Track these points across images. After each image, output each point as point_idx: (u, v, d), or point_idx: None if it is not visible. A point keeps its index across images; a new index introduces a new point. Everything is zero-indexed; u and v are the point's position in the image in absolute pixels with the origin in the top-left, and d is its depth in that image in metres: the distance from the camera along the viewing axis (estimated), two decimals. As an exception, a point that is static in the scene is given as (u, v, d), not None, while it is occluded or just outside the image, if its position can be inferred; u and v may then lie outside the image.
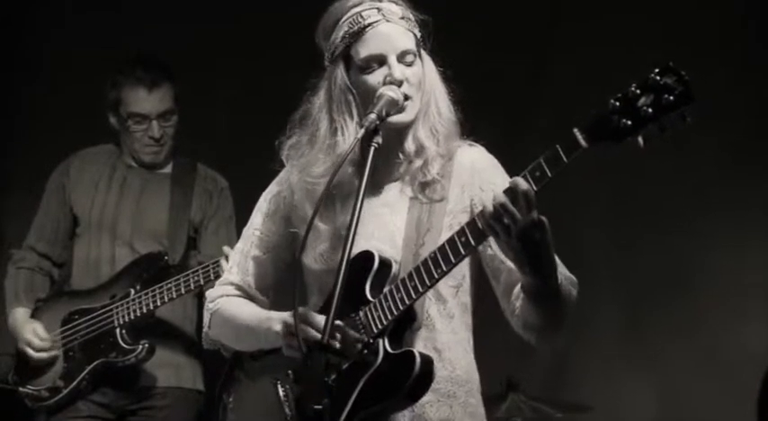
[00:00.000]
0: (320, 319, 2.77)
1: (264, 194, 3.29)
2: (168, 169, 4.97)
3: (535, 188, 2.61)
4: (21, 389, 4.76)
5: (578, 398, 4.98)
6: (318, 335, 2.69)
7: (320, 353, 2.69)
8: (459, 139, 3.11)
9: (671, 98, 2.47)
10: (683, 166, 4.99)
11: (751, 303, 5.34)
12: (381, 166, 3.04)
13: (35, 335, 4.71)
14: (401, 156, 3.06)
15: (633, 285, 5.35)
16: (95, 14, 5.97)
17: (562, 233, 2.81)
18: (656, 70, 2.50)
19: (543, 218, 2.65)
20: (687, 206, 5.09)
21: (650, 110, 2.49)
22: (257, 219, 3.29)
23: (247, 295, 3.28)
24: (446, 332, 3.02)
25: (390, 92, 2.90)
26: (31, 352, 4.70)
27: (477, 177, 3.04)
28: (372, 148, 2.84)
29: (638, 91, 2.51)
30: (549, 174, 2.61)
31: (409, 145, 3.04)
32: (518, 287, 2.88)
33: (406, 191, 3.07)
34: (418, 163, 3.03)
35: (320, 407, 2.64)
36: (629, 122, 2.51)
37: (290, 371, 3.03)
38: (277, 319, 3.01)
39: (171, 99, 4.84)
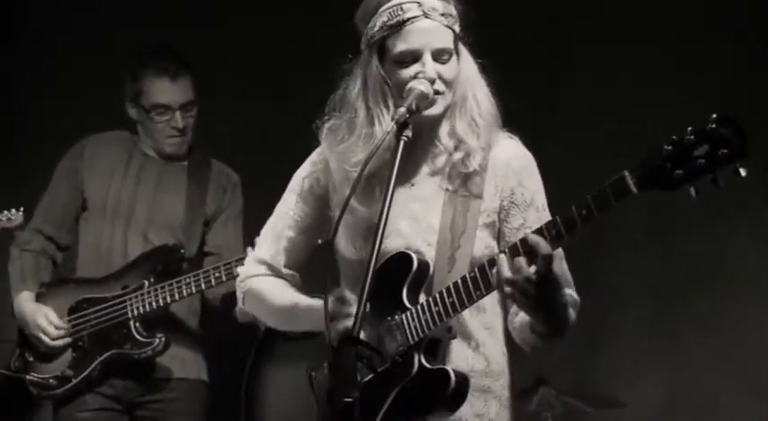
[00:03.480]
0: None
1: (297, 174, 3.27)
2: (184, 161, 4.87)
3: (566, 236, 2.56)
4: (27, 376, 4.63)
5: (606, 392, 4.99)
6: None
7: (350, 346, 2.64)
8: (499, 130, 3.05)
9: (726, 152, 2.35)
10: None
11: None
12: (419, 159, 3.05)
13: (49, 322, 4.59)
14: (440, 148, 3.02)
15: (661, 285, 5.27)
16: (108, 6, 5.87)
17: (594, 241, 2.67)
18: (714, 118, 2.37)
19: (559, 270, 2.62)
20: (710, 208, 4.89)
21: (704, 161, 2.37)
22: (290, 199, 3.26)
23: (276, 272, 3.26)
24: (480, 328, 3.01)
25: (420, 85, 2.87)
26: (46, 339, 4.57)
27: (512, 178, 3.00)
28: (402, 142, 2.80)
29: (693, 138, 2.39)
30: (596, 214, 2.51)
31: (447, 139, 3.00)
32: (515, 306, 2.87)
33: (443, 185, 3.02)
34: (458, 155, 2.98)
35: (350, 399, 2.58)
36: (682, 173, 2.39)
37: (325, 364, 2.98)
38: (313, 309, 3.02)
39: (192, 90, 4.76)
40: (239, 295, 3.29)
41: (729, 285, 5.27)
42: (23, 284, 4.69)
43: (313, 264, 3.29)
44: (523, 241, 2.59)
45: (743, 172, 2.33)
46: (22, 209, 4.42)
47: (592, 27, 5.56)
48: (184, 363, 4.70)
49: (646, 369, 5.24)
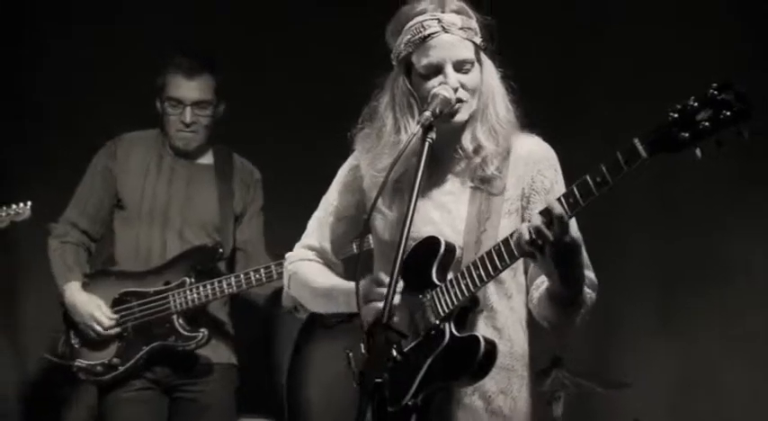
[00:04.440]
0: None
1: (342, 168, 3.33)
2: (209, 160, 4.94)
3: (582, 203, 2.63)
4: (74, 362, 4.72)
5: (617, 374, 4.99)
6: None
7: (381, 330, 2.70)
8: (518, 132, 3.12)
9: (728, 113, 2.43)
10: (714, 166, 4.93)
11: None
12: (444, 161, 3.12)
13: (102, 312, 4.68)
14: (460, 153, 3.09)
15: (668, 274, 5.28)
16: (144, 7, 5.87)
17: (607, 227, 2.74)
18: (715, 85, 2.46)
19: (576, 237, 2.73)
20: (717, 202, 5.09)
21: (708, 124, 2.45)
22: (334, 190, 3.34)
23: (324, 258, 3.35)
24: (505, 311, 3.05)
25: (444, 91, 2.95)
26: (99, 329, 4.66)
27: (532, 168, 3.07)
28: (427, 143, 2.88)
29: (697, 104, 2.47)
30: (611, 181, 2.59)
31: (467, 144, 3.07)
32: (540, 278, 2.95)
33: (466, 183, 3.08)
34: (477, 160, 3.05)
35: (380, 380, 2.66)
36: (687, 135, 2.47)
37: (362, 345, 3.01)
38: (351, 291, 3.04)
39: (210, 90, 4.81)
40: (285, 278, 3.37)
41: (734, 273, 5.30)
42: (70, 274, 4.76)
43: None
44: (543, 210, 2.66)
45: (745, 134, 2.41)
46: (29, 202, 4.41)
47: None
48: (217, 350, 4.79)
49: (652, 352, 5.27)
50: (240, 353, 4.95)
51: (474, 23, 3.02)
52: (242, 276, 4.60)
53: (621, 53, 5.56)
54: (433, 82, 2.96)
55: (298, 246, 3.40)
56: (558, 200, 2.64)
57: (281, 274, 4.24)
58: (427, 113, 2.87)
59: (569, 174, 3.04)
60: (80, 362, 4.69)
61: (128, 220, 4.83)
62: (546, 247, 2.66)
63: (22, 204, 4.34)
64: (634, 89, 5.44)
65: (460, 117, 2.99)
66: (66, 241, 4.84)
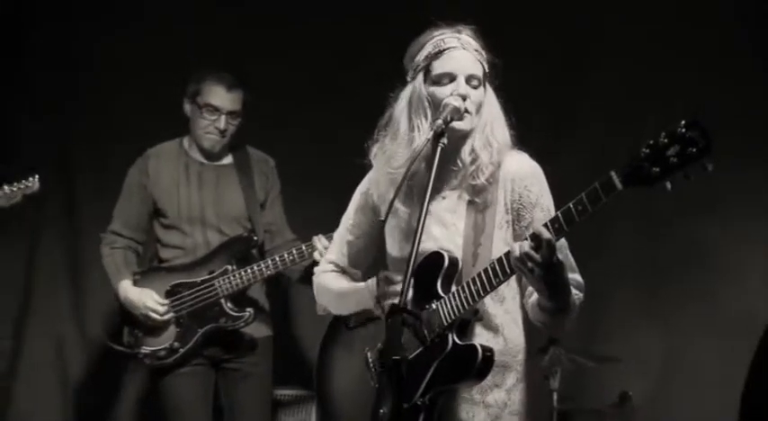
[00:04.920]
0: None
1: (357, 191, 3.36)
2: (229, 159, 4.93)
3: (566, 228, 2.66)
4: (140, 350, 4.77)
5: (607, 350, 4.97)
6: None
7: (397, 315, 2.74)
8: (510, 149, 3.13)
9: (694, 150, 2.44)
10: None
11: (749, 276, 5.28)
12: (446, 177, 3.10)
13: (156, 302, 4.71)
14: (459, 165, 3.08)
15: (654, 261, 5.25)
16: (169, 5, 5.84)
17: (597, 218, 2.77)
18: (683, 123, 2.46)
19: (559, 258, 2.72)
20: (697, 195, 4.90)
21: (676, 159, 2.46)
22: (351, 211, 3.37)
23: (342, 270, 3.38)
24: (499, 313, 3.05)
25: (455, 101, 2.97)
26: (156, 316, 4.70)
27: (519, 182, 3.06)
28: (439, 148, 2.90)
29: (666, 141, 2.47)
30: (590, 209, 2.61)
31: (466, 156, 3.07)
32: (530, 288, 2.96)
33: (463, 196, 3.08)
34: (471, 168, 3.05)
35: (398, 358, 2.68)
36: (658, 170, 2.47)
37: (379, 344, 3.03)
38: (360, 290, 3.18)
39: (241, 103, 4.83)
40: (314, 289, 3.42)
41: (714, 261, 5.27)
42: (120, 275, 4.80)
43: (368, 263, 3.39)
44: (532, 234, 2.67)
45: (710, 167, 2.41)
46: (37, 175, 4.31)
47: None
48: (258, 325, 4.84)
49: (637, 331, 5.25)
50: (275, 326, 5.01)
51: (484, 53, 3.06)
52: (277, 259, 4.64)
53: (611, 68, 5.49)
54: (446, 89, 2.98)
55: (322, 260, 3.45)
56: (545, 225, 2.65)
57: (310, 254, 4.56)
58: (439, 121, 2.89)
59: (562, 186, 3.05)
60: (145, 350, 4.72)
61: (171, 226, 4.86)
62: (534, 269, 2.67)
63: (30, 178, 4.24)
64: (624, 107, 5.39)
65: (462, 125, 2.98)
66: (114, 247, 4.89)
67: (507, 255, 2.79)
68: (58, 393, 5.91)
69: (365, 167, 3.28)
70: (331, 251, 3.43)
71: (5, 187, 4.14)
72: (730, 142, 4.97)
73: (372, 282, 3.14)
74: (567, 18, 5.50)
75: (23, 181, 4.19)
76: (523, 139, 3.14)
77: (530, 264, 2.66)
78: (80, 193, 4.63)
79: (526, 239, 2.70)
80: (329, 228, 4.13)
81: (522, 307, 3.09)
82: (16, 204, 4.20)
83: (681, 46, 5.38)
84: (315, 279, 3.42)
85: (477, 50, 3.04)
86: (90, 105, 5.89)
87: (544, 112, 5.17)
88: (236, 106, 4.78)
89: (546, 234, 2.63)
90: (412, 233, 2.88)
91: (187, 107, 4.83)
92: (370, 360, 3.11)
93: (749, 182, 5.08)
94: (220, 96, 4.75)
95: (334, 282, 3.35)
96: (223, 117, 4.74)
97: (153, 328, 4.73)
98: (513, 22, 5.44)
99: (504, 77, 3.13)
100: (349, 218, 3.35)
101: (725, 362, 5.14)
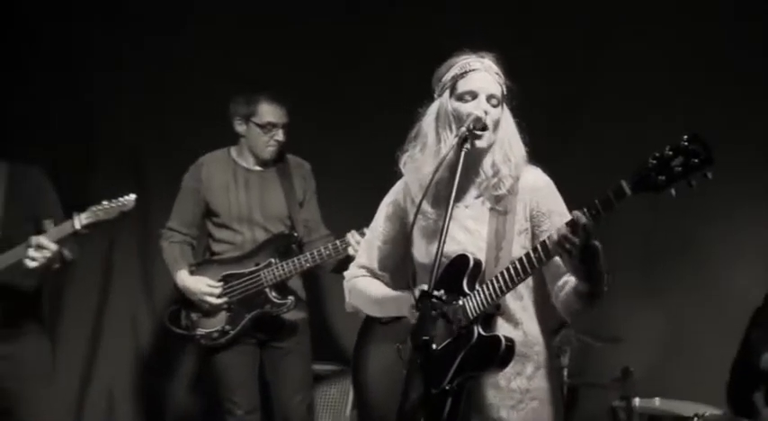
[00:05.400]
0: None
1: (385, 200, 3.32)
2: (272, 166, 4.96)
3: (592, 223, 2.63)
4: (196, 332, 4.82)
5: (611, 331, 4.89)
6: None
7: (427, 300, 2.77)
8: (526, 165, 3.13)
9: (696, 161, 2.45)
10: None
11: (740, 261, 5.23)
12: (469, 186, 3.11)
13: (210, 287, 4.76)
14: (482, 176, 3.08)
15: (653, 248, 5.20)
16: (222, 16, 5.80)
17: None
18: (686, 137, 2.46)
19: (597, 243, 2.69)
20: (695, 190, 4.85)
21: (680, 169, 2.46)
22: (380, 218, 3.32)
23: (372, 274, 3.34)
24: (518, 309, 3.03)
25: (477, 112, 2.97)
26: (211, 300, 4.74)
27: (536, 193, 3.06)
28: (463, 152, 2.91)
29: (671, 153, 2.48)
30: (603, 213, 2.60)
31: (488, 168, 3.07)
32: (563, 279, 2.92)
33: (486, 205, 3.07)
34: (494, 181, 3.05)
35: (428, 338, 2.69)
36: (664, 178, 2.48)
37: (408, 339, 2.98)
38: (398, 298, 3.13)
39: (287, 116, 4.88)
40: (346, 291, 3.37)
41: (709, 246, 5.23)
42: (178, 265, 4.84)
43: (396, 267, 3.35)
44: (569, 220, 2.65)
45: (710, 175, 2.43)
46: (133, 195, 4.17)
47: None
48: (296, 310, 4.87)
49: (638, 313, 5.22)
50: (312, 311, 5.06)
51: (503, 77, 3.06)
52: (315, 253, 4.65)
53: (612, 88, 5.43)
54: (469, 105, 2.97)
55: (352, 265, 3.41)
56: (582, 212, 2.62)
57: (344, 249, 4.56)
58: (463, 128, 2.90)
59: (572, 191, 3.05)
60: (200, 331, 4.77)
61: (222, 225, 4.90)
62: (572, 250, 2.65)
63: (127, 197, 4.13)
64: (626, 120, 5.33)
65: (481, 143, 2.98)
66: (173, 242, 4.93)
67: (527, 256, 2.79)
68: (131, 366, 5.98)
69: (394, 175, 3.26)
70: (361, 256, 3.39)
71: (105, 203, 4.10)
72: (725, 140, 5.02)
73: (409, 293, 3.08)
74: (568, 19, 5.45)
75: (121, 199, 4.11)
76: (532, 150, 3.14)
77: (568, 246, 2.64)
78: (151, 195, 4.64)
79: (563, 226, 2.69)
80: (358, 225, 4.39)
81: (537, 303, 3.08)
82: (113, 219, 4.15)
83: (682, 46, 5.33)
84: (347, 283, 3.37)
85: (497, 74, 3.03)
86: (157, 118, 5.91)
87: (548, 124, 5.07)
88: (286, 119, 4.85)
89: (583, 219, 2.61)
90: (437, 236, 2.88)
91: (241, 127, 4.86)
92: (401, 353, 3.08)
93: (742, 175, 4.95)
94: (276, 114, 4.81)
95: (371, 288, 3.30)
96: (280, 131, 4.82)
97: (207, 313, 4.76)
98: (518, 22, 5.45)
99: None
100: (378, 225, 3.31)
101: (716, 340, 5.10)
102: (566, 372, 4.70)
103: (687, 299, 5.24)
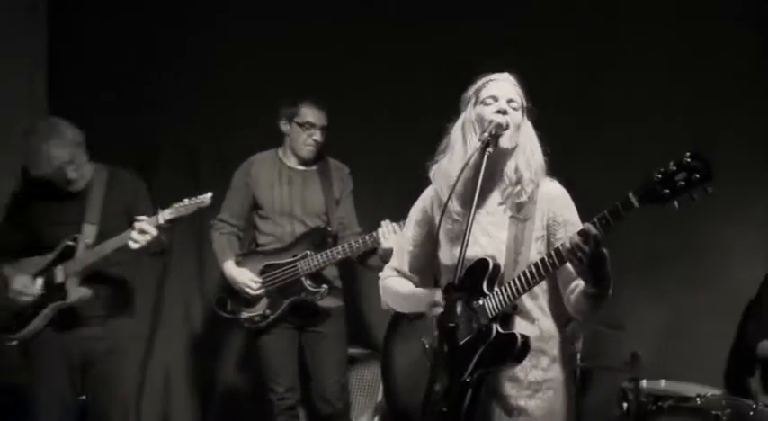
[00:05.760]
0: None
1: (414, 207, 3.32)
2: (314, 166, 4.98)
3: (602, 232, 2.63)
4: (240, 316, 4.87)
5: (619, 319, 4.82)
6: None
7: (452, 291, 2.78)
8: (545, 175, 3.11)
9: (698, 177, 2.46)
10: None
11: (735, 257, 5.17)
12: (493, 190, 3.10)
13: (251, 279, 4.80)
14: (506, 181, 3.06)
15: (656, 246, 5.14)
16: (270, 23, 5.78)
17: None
18: (688, 154, 2.48)
19: (605, 251, 2.68)
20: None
21: (683, 183, 2.47)
22: (410, 224, 3.32)
23: (403, 275, 3.33)
24: (534, 308, 3.04)
25: (498, 118, 2.97)
26: (250, 291, 4.79)
27: (553, 204, 3.05)
28: (486, 154, 2.91)
29: (675, 168, 2.49)
30: (612, 223, 2.61)
31: (511, 173, 3.06)
32: (574, 283, 2.91)
33: (507, 212, 3.06)
34: (517, 188, 3.03)
35: (453, 325, 2.73)
36: (668, 192, 2.49)
37: (434, 332, 3.00)
38: (423, 296, 3.14)
39: (327, 120, 4.91)
40: (381, 290, 3.38)
41: (707, 244, 5.17)
42: (225, 256, 4.89)
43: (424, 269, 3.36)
44: (581, 230, 2.65)
45: (710, 190, 2.45)
46: (210, 193, 4.27)
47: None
48: (332, 298, 4.90)
49: (644, 303, 5.17)
50: (348, 299, 5.07)
51: (521, 89, 3.07)
52: (346, 246, 4.66)
53: (625, 96, 5.35)
54: (490, 108, 2.99)
55: (386, 266, 3.41)
56: (593, 223, 2.62)
57: (373, 244, 4.56)
58: (485, 134, 2.91)
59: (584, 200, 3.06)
60: (244, 315, 4.82)
61: (266, 217, 4.92)
62: (583, 258, 2.64)
63: (204, 195, 4.23)
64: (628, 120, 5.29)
65: (504, 143, 2.99)
66: (222, 232, 4.97)
67: (542, 261, 2.80)
68: (185, 348, 6.02)
69: (423, 175, 3.25)
70: (393, 260, 3.38)
71: (185, 200, 4.18)
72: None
73: (430, 291, 3.14)
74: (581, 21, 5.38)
75: (199, 196, 4.20)
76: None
77: (579, 254, 2.64)
78: (203, 191, 4.69)
79: (574, 235, 2.67)
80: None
81: (551, 302, 3.07)
82: (191, 215, 4.23)
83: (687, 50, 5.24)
84: (381, 282, 3.38)
85: (515, 85, 3.05)
86: (210, 121, 5.92)
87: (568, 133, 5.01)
88: (325, 122, 4.87)
89: (593, 230, 2.61)
90: (457, 241, 2.93)
91: (285, 126, 4.91)
92: (426, 346, 3.10)
93: (738, 176, 4.86)
94: (315, 115, 4.83)
95: (399, 286, 3.31)
96: (318, 131, 4.84)
97: (249, 299, 4.81)
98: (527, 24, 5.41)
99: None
100: (408, 230, 3.32)
101: (714, 328, 5.12)
102: (579, 357, 4.67)
103: (688, 291, 5.18)
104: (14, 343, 4.32)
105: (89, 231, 4.31)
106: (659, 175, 2.49)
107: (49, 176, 4.25)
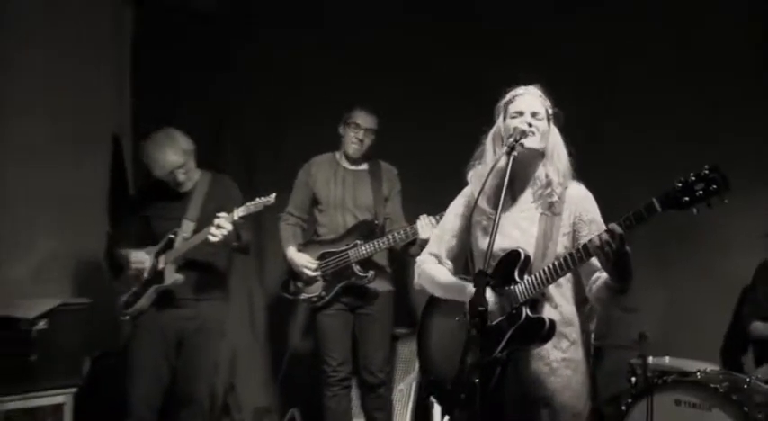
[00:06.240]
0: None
1: (454, 202, 3.32)
2: (365, 167, 5.02)
3: (625, 232, 2.63)
4: (300, 296, 4.93)
5: (629, 303, 4.53)
6: None
7: (483, 277, 2.75)
8: (572, 178, 3.10)
9: (715, 187, 2.48)
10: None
11: (733, 247, 5.13)
12: (525, 190, 3.10)
13: (309, 262, 4.86)
14: (537, 184, 3.05)
15: (662, 233, 5.04)
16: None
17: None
18: (707, 167, 2.50)
19: (629, 249, 2.67)
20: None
21: (701, 193, 2.50)
22: (450, 215, 3.31)
23: (439, 261, 3.31)
24: (557, 296, 3.04)
25: (521, 125, 2.97)
26: (308, 272, 4.85)
27: (579, 204, 3.04)
28: (511, 158, 2.90)
29: (694, 179, 2.50)
30: (635, 224, 2.62)
31: (542, 177, 3.05)
32: (595, 275, 2.89)
33: (538, 209, 3.05)
34: (548, 190, 3.03)
35: (483, 309, 2.67)
36: (688, 199, 2.50)
37: (465, 312, 3.01)
38: (457, 285, 3.15)
39: (374, 124, 4.95)
40: (416, 274, 3.35)
41: (706, 236, 5.13)
42: (289, 243, 4.96)
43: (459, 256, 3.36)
44: (608, 230, 2.65)
45: (726, 200, 2.47)
46: (274, 194, 4.35)
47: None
48: (383, 283, 4.95)
49: (651, 288, 5.09)
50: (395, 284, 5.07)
51: (547, 102, 3.05)
52: (390, 237, 4.70)
53: (632, 111, 5.30)
54: (516, 121, 3.00)
55: (424, 252, 3.39)
56: (618, 224, 2.63)
57: (414, 235, 4.54)
58: (511, 140, 2.93)
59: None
60: (304, 296, 4.89)
61: (323, 211, 4.99)
62: (610, 254, 2.65)
63: (270, 195, 4.31)
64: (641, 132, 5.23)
65: (530, 143, 2.99)
66: (288, 223, 5.05)
67: (570, 255, 2.81)
68: (249, 327, 6.10)
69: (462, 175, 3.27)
70: (431, 246, 3.36)
71: (257, 199, 4.26)
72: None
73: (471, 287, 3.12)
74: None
75: (266, 197, 4.29)
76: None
77: (606, 250, 2.64)
78: (261, 189, 4.75)
79: (603, 233, 2.66)
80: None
81: (574, 291, 3.07)
82: (259, 212, 4.33)
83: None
84: (418, 267, 3.35)
85: (540, 96, 3.05)
86: (268, 125, 5.98)
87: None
88: (371, 125, 4.89)
89: (619, 230, 2.62)
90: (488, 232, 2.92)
91: (341, 128, 4.96)
92: (460, 324, 3.09)
93: (736, 172, 4.83)
94: (363, 118, 4.87)
95: (438, 274, 3.28)
96: (362, 131, 4.86)
97: (308, 281, 4.86)
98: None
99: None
100: (447, 221, 3.31)
101: (714, 311, 5.11)
102: (593, 336, 4.54)
103: (691, 277, 5.14)
104: (127, 317, 4.52)
105: (187, 227, 4.48)
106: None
107: (163, 178, 4.42)
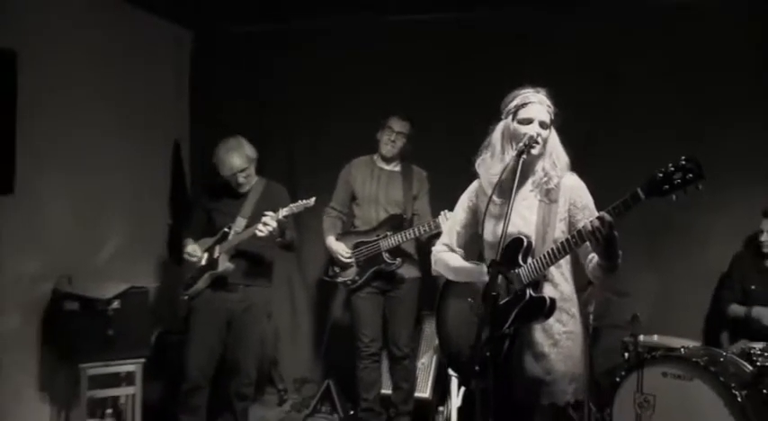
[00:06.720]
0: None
1: (463, 196, 3.27)
2: (398, 168, 5.01)
3: (614, 219, 2.61)
4: (337, 279, 4.97)
5: (623, 288, 4.75)
6: None
7: (495, 267, 2.76)
8: (568, 170, 3.06)
9: (691, 175, 2.45)
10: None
11: (713, 239, 5.07)
12: (527, 182, 3.06)
13: (344, 249, 4.89)
14: (537, 176, 3.03)
15: (652, 227, 5.02)
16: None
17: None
18: (684, 158, 2.46)
19: (616, 233, 2.64)
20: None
21: (679, 181, 2.46)
22: (459, 208, 3.26)
23: (451, 249, 3.28)
24: (557, 275, 3.01)
25: (531, 132, 2.92)
26: (343, 258, 4.88)
27: (573, 192, 3.00)
28: (521, 161, 2.88)
29: (673, 169, 2.47)
30: (624, 211, 2.58)
31: (540, 172, 3.01)
32: (590, 255, 2.86)
33: (537, 197, 3.02)
34: (545, 179, 2.99)
35: (495, 293, 2.69)
36: (667, 187, 2.46)
37: (479, 294, 3.00)
38: (470, 269, 3.11)
39: (408, 129, 4.93)
40: (432, 261, 3.32)
41: (691, 227, 5.06)
42: (328, 233, 4.99)
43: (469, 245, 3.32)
44: (599, 217, 2.62)
45: (700, 187, 2.43)
46: (314, 198, 4.40)
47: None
48: (411, 269, 4.96)
49: (643, 275, 5.08)
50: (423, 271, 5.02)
51: (551, 107, 3.00)
52: (417, 229, 4.72)
53: (630, 111, 5.18)
54: (525, 128, 2.93)
55: (438, 242, 3.34)
56: (608, 212, 2.60)
57: (437, 227, 4.50)
58: (521, 145, 2.88)
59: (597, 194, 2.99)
60: (340, 279, 4.91)
61: (360, 205, 5.02)
62: (600, 238, 2.62)
63: (310, 198, 4.37)
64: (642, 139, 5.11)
65: (534, 151, 2.95)
66: (329, 216, 5.07)
67: (567, 240, 2.76)
68: (290, 310, 6.12)
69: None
70: (444, 236, 3.33)
71: (299, 201, 4.32)
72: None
73: (476, 265, 3.12)
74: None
75: (306, 199, 4.35)
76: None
77: (597, 234, 2.61)
78: (301, 188, 4.80)
79: (594, 220, 2.61)
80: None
81: (571, 271, 3.04)
82: (300, 212, 4.41)
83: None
84: (433, 255, 3.33)
85: (548, 105, 2.96)
86: (309, 130, 5.99)
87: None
88: (404, 129, 4.86)
89: (608, 217, 2.59)
90: (502, 220, 2.89)
91: (379, 132, 5.00)
92: (472, 305, 3.09)
93: (719, 168, 4.57)
94: (397, 123, 4.85)
95: (450, 259, 3.24)
96: (395, 134, 4.85)
97: (343, 266, 4.87)
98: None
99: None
100: (457, 214, 3.26)
101: (696, 294, 5.08)
102: (591, 317, 4.61)
103: (676, 265, 5.08)
104: (185, 298, 4.61)
105: (240, 223, 4.55)
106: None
107: (227, 178, 4.51)
